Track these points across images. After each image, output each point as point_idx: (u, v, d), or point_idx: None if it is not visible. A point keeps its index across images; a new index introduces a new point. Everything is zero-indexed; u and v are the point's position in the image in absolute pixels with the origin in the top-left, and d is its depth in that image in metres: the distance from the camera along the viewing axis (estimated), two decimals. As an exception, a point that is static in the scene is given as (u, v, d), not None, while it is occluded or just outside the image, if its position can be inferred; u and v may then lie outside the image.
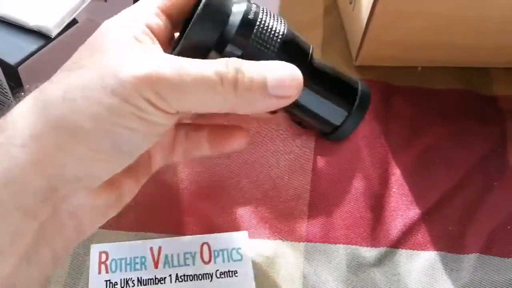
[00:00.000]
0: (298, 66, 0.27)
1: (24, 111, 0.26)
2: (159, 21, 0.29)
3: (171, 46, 0.30)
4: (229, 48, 0.27)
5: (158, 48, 0.28)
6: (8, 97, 0.41)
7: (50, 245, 0.27)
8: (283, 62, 0.27)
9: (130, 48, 0.26)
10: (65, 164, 0.25)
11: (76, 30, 0.41)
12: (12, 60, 0.37)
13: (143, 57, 0.26)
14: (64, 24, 0.39)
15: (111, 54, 0.26)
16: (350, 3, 0.56)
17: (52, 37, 0.39)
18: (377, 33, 0.52)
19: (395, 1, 0.49)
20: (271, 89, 0.26)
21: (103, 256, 0.40)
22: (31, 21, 0.39)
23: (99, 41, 0.28)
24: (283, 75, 0.27)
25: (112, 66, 0.25)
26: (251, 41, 0.27)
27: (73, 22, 0.40)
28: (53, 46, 0.39)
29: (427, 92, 0.55)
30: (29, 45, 0.38)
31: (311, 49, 0.32)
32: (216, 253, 0.41)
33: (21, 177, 0.25)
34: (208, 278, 0.40)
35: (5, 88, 0.40)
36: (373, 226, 0.45)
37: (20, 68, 0.38)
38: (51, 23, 0.39)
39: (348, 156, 0.49)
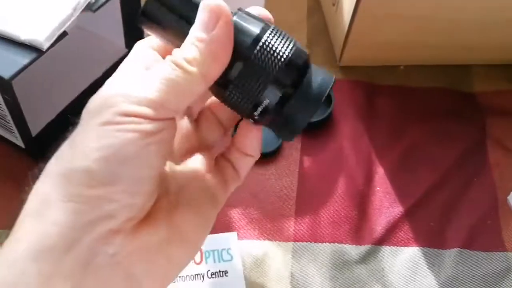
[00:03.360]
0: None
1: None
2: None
3: None
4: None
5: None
6: (2, 109, 0.42)
7: None
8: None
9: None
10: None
11: (66, 41, 0.42)
12: (5, 74, 0.38)
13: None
14: (55, 37, 0.41)
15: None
16: (333, 5, 0.57)
17: (44, 50, 0.40)
18: (359, 35, 0.54)
19: (376, 5, 0.51)
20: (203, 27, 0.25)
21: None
22: (23, 35, 0.40)
23: None
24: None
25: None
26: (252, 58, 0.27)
27: (63, 34, 0.41)
28: (44, 59, 0.40)
29: (409, 91, 0.57)
30: (21, 58, 0.39)
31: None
32: (207, 253, 0.43)
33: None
34: (200, 279, 0.42)
35: (-1, 101, 0.41)
36: (358, 224, 0.46)
37: (14, 82, 0.39)
38: (43, 36, 0.40)
39: (333, 156, 0.50)
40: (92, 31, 0.50)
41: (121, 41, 0.53)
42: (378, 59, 0.57)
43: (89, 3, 0.43)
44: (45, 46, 0.40)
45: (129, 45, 0.53)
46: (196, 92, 0.26)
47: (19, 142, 0.46)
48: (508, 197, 0.48)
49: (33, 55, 0.40)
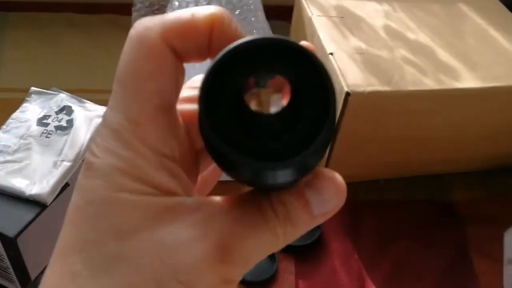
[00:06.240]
0: None
1: None
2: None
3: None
4: None
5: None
6: (5, 262, 0.43)
7: None
8: (325, 173, 0.21)
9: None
10: None
11: (68, 193, 0.44)
12: (10, 232, 0.40)
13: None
14: (58, 191, 0.42)
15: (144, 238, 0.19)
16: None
17: (48, 205, 0.41)
18: (339, 159, 0.57)
19: (353, 133, 0.54)
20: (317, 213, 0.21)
21: None
22: (27, 191, 0.41)
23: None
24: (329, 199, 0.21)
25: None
26: None
27: (65, 186, 0.43)
28: (47, 212, 0.42)
29: (390, 205, 0.59)
30: (26, 214, 0.41)
31: None
32: None
33: None
34: None
35: (2, 255, 0.42)
36: None
37: (18, 239, 0.40)
38: (46, 191, 0.41)
39: (327, 277, 0.52)
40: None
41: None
42: (359, 177, 0.60)
43: (88, 153, 0.45)
44: (49, 200, 0.42)
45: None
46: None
47: (18, 290, 0.46)
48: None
49: (37, 210, 0.41)
